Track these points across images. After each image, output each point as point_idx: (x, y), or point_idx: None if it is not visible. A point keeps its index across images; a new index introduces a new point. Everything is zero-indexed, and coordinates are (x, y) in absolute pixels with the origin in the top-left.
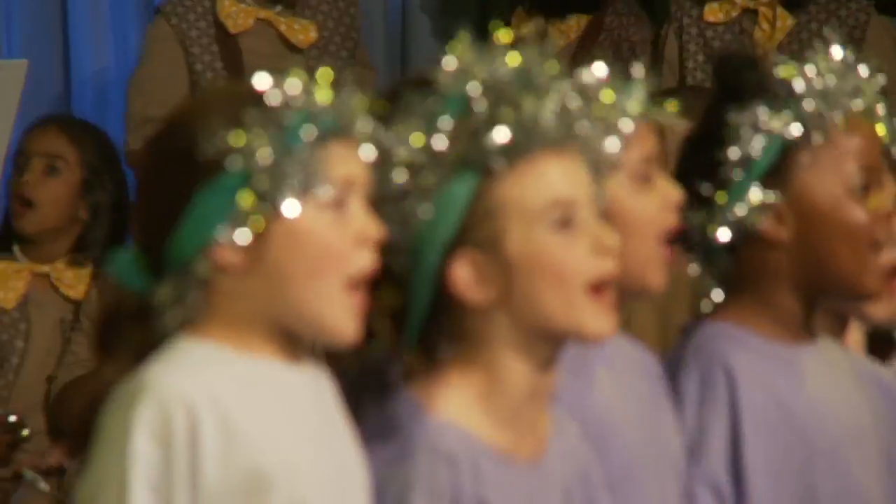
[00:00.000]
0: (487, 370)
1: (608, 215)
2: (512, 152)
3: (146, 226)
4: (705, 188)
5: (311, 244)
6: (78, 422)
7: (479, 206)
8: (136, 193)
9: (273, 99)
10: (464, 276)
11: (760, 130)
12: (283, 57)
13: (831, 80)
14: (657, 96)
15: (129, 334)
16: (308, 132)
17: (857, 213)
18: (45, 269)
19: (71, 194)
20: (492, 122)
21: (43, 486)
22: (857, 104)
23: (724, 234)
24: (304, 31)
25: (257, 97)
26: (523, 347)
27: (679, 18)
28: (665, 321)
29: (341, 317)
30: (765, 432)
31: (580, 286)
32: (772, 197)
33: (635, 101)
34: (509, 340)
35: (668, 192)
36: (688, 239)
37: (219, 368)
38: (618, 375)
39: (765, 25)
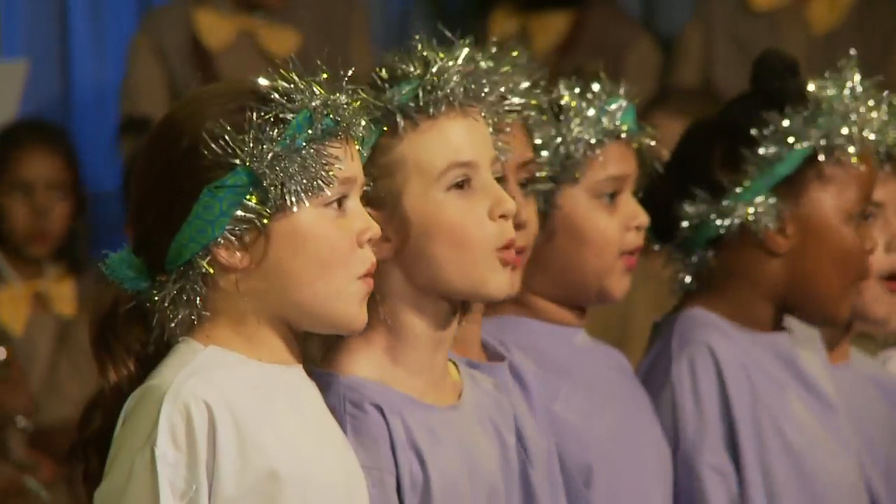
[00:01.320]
0: (388, 326)
1: (564, 227)
2: (415, 110)
3: (145, 225)
4: (722, 178)
5: (315, 244)
6: (80, 422)
7: (379, 162)
8: (134, 193)
9: (276, 99)
10: None
11: (791, 139)
12: (262, 71)
13: (860, 107)
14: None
15: (125, 334)
16: (310, 132)
17: (855, 241)
18: (42, 287)
19: (73, 212)
20: (397, 78)
21: (45, 495)
22: (872, 136)
23: (724, 227)
24: (284, 41)
25: (260, 97)
26: (418, 304)
27: (707, 12)
28: None
29: (351, 308)
30: (748, 409)
31: (481, 249)
32: (783, 205)
33: (613, 120)
34: (404, 296)
35: (635, 215)
36: (668, 230)
37: (228, 372)
38: (586, 373)
39: (819, 10)
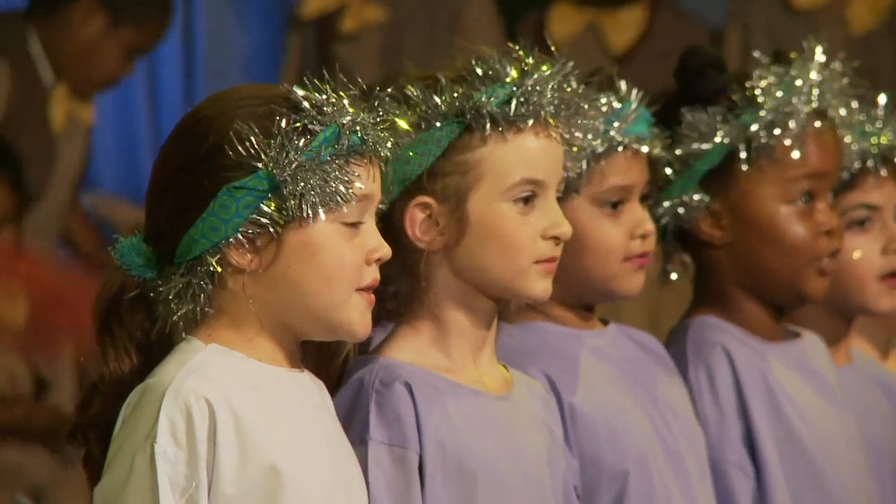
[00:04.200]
0: (435, 316)
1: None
2: (505, 118)
3: (160, 215)
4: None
5: (325, 258)
6: (79, 407)
7: (455, 158)
8: (153, 182)
9: (306, 109)
10: (418, 218)
11: (707, 135)
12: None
13: (787, 94)
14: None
15: (129, 321)
16: (336, 147)
17: (794, 229)
18: None
19: None
20: (491, 79)
21: None
22: (812, 115)
23: (666, 226)
24: (362, 17)
25: (291, 104)
26: (463, 299)
27: (745, 13)
28: (654, 322)
29: (353, 315)
30: (763, 408)
31: (527, 260)
32: (707, 200)
33: (622, 129)
34: (450, 290)
35: (640, 223)
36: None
37: (228, 371)
38: (608, 362)
39: (858, 9)
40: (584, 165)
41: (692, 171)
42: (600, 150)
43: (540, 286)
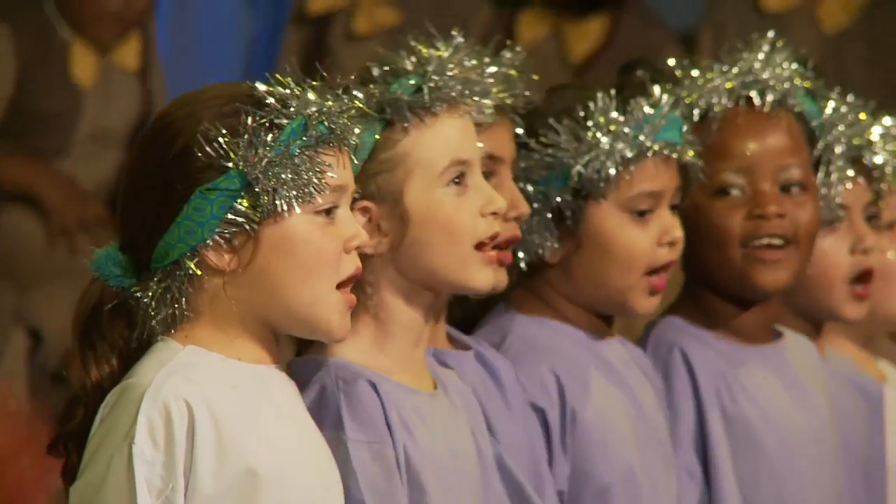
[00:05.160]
0: (376, 317)
1: (592, 239)
2: (421, 106)
3: (134, 223)
4: None
5: (304, 250)
6: (61, 417)
7: (381, 157)
8: (124, 190)
9: (271, 104)
10: (360, 223)
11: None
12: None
13: (700, 81)
14: None
15: (109, 331)
16: (304, 139)
17: (716, 217)
18: None
19: None
20: (397, 73)
21: None
22: (722, 102)
23: None
24: (373, 19)
25: (255, 101)
26: (408, 296)
27: (718, 15)
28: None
29: (333, 316)
30: (720, 411)
31: (469, 244)
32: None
33: (652, 135)
34: (396, 289)
35: (669, 230)
36: None
37: (207, 371)
38: (612, 375)
39: (830, 8)
40: (612, 171)
41: None
42: (629, 154)
43: (481, 275)
